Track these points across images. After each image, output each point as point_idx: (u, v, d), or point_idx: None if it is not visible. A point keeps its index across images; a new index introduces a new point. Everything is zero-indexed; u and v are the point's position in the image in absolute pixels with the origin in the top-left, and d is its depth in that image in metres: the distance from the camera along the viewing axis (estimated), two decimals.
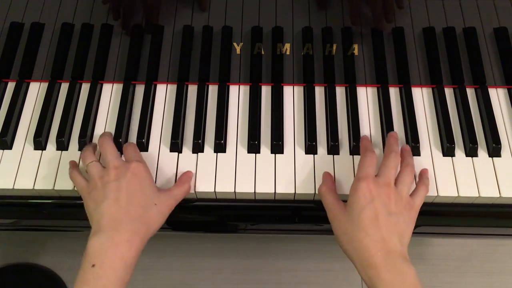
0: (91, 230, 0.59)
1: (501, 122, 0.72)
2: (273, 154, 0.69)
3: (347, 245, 0.60)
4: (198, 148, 0.69)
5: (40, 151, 0.70)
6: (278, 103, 0.73)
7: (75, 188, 0.65)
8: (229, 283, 1.27)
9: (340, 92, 0.75)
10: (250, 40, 0.78)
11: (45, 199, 0.69)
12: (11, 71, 0.77)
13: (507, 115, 0.73)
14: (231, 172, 0.68)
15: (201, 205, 0.70)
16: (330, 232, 0.65)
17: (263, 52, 0.77)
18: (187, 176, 0.67)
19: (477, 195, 0.66)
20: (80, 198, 0.64)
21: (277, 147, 0.69)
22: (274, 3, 0.80)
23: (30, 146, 0.70)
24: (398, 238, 0.58)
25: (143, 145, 0.69)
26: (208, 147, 0.70)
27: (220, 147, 0.69)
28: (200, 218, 0.72)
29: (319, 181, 0.67)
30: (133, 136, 0.70)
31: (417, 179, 0.67)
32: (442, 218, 0.69)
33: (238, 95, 0.74)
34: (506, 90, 0.75)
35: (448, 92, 0.75)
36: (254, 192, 0.67)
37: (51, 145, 0.70)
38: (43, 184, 0.67)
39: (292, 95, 0.74)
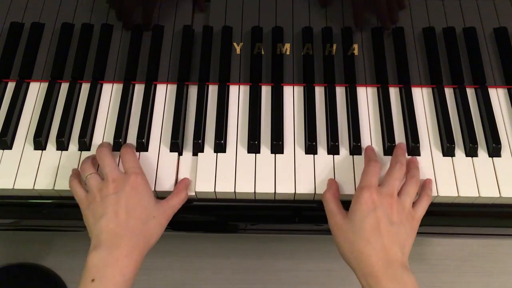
0: (90, 244, 0.59)
1: (501, 122, 0.72)
2: (273, 154, 0.69)
3: (348, 253, 0.60)
4: (198, 148, 0.69)
5: (40, 151, 0.70)
6: (278, 103, 0.73)
7: (75, 199, 0.65)
8: (229, 283, 1.27)
9: (340, 92, 0.75)
10: (250, 40, 0.78)
11: (45, 199, 0.69)
12: (11, 71, 0.77)
13: (507, 115, 0.73)
14: (231, 172, 0.68)
15: (201, 205, 0.70)
16: (330, 232, 0.65)
17: (263, 52, 0.77)
18: (184, 184, 0.66)
19: (477, 195, 0.66)
20: None
21: (277, 147, 0.69)
22: (274, 3, 0.80)
23: (30, 146, 0.70)
24: (399, 247, 0.59)
25: (143, 145, 0.69)
26: (208, 147, 0.70)
27: (220, 147, 0.69)
28: (200, 218, 0.72)
29: (319, 181, 0.67)
30: (133, 136, 0.70)
31: (421, 189, 0.66)
32: (442, 218, 0.69)
33: (238, 95, 0.74)
34: (506, 90, 0.75)
35: (448, 92, 0.75)
36: (254, 192, 0.67)
37: (51, 145, 0.70)
38: (43, 184, 0.67)
39: (292, 95, 0.74)
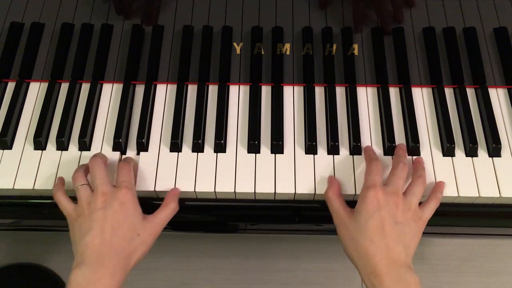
0: (74, 261, 0.58)
1: (501, 122, 0.72)
2: (273, 154, 0.69)
3: (352, 251, 0.60)
4: (198, 148, 0.69)
5: (40, 151, 0.70)
6: (278, 103, 0.73)
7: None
8: (229, 283, 1.27)
9: (340, 92, 0.75)
10: (250, 40, 0.78)
11: (45, 199, 0.69)
12: (11, 71, 0.77)
13: (507, 115, 0.73)
14: (231, 172, 0.68)
15: (201, 205, 0.70)
16: (330, 232, 0.65)
17: (263, 52, 0.77)
18: (173, 195, 0.66)
19: (477, 195, 0.66)
20: None
21: (277, 147, 0.69)
22: (274, 3, 0.80)
23: (30, 146, 0.70)
24: (404, 247, 0.59)
25: (143, 145, 0.69)
26: (208, 147, 0.70)
27: (220, 147, 0.69)
28: (200, 218, 0.72)
29: (319, 181, 0.67)
30: (133, 136, 0.70)
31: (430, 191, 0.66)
32: (442, 218, 0.69)
33: (238, 95, 0.74)
34: (506, 90, 0.75)
35: (448, 92, 0.75)
36: (254, 192, 0.67)
37: (51, 145, 0.70)
38: (43, 184, 0.67)
39: (292, 95, 0.74)
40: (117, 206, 0.60)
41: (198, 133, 0.70)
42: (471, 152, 0.69)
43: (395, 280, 0.56)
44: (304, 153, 0.69)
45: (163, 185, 0.67)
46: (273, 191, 0.66)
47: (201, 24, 0.79)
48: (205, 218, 0.72)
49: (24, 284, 1.25)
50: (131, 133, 0.71)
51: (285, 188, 0.67)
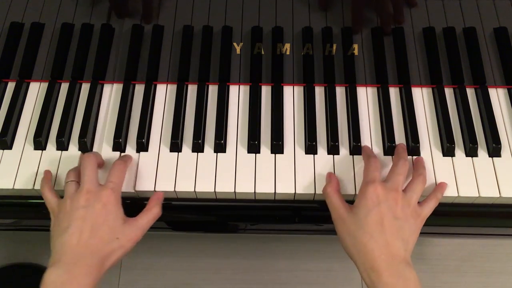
0: (50, 258, 0.58)
1: (501, 122, 0.72)
2: (273, 154, 0.69)
3: (350, 247, 0.60)
4: (198, 148, 0.69)
5: (40, 151, 0.70)
6: (278, 103, 0.73)
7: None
8: (229, 283, 1.27)
9: (340, 92, 0.75)
10: (250, 40, 0.78)
11: None
12: (11, 71, 0.77)
13: (507, 115, 0.73)
14: (231, 172, 0.68)
15: (201, 205, 0.70)
16: (330, 232, 0.65)
17: (263, 52, 0.77)
18: (157, 199, 0.65)
19: (477, 195, 0.66)
20: None
21: (277, 147, 0.69)
22: (274, 3, 0.80)
23: (30, 146, 0.70)
24: (403, 243, 0.59)
25: (143, 145, 0.69)
26: (208, 147, 0.70)
27: (220, 147, 0.69)
28: (200, 218, 0.72)
29: (319, 181, 0.67)
30: (133, 136, 0.70)
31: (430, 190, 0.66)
32: (442, 218, 0.69)
33: (238, 95, 0.74)
34: (506, 90, 0.75)
35: (448, 92, 0.75)
36: (254, 192, 0.67)
37: (51, 145, 0.70)
38: None
39: (292, 95, 0.74)
40: (99, 207, 0.60)
41: (198, 133, 0.70)
42: (471, 152, 0.69)
43: (393, 275, 0.56)
44: (304, 153, 0.69)
45: (163, 185, 0.67)
46: (273, 191, 0.66)
47: (201, 24, 0.79)
48: (205, 218, 0.72)
49: (24, 284, 1.25)
50: (131, 133, 0.71)
51: (285, 188, 0.67)
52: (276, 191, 0.66)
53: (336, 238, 0.64)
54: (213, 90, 0.75)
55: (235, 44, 0.78)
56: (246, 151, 0.69)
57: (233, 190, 0.66)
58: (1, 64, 0.77)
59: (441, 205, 0.67)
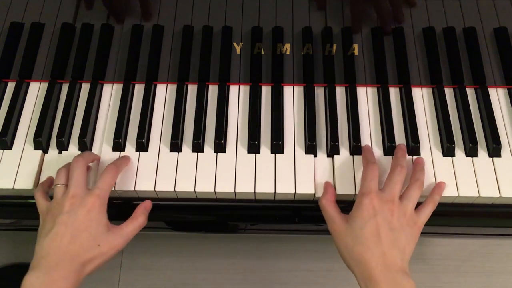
0: (32, 261, 0.58)
1: (501, 122, 0.72)
2: (273, 154, 0.69)
3: (348, 258, 0.60)
4: (198, 148, 0.69)
5: (40, 151, 0.70)
6: (278, 103, 0.73)
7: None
8: (229, 283, 1.27)
9: (340, 92, 0.75)
10: (250, 40, 0.78)
11: None
12: (11, 71, 0.77)
13: (507, 115, 0.73)
14: (231, 172, 0.68)
15: (201, 205, 0.70)
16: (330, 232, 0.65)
17: (263, 52, 0.77)
18: (144, 209, 0.65)
19: (477, 195, 0.66)
20: None
21: (277, 147, 0.69)
22: (274, 3, 0.80)
23: (30, 146, 0.70)
24: (399, 253, 0.59)
25: (143, 145, 0.69)
26: (208, 147, 0.70)
27: (220, 147, 0.69)
28: (200, 218, 0.72)
29: (319, 181, 0.67)
30: (133, 136, 0.70)
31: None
32: (442, 218, 0.69)
33: (238, 95, 0.74)
34: (506, 90, 0.75)
35: (448, 92, 0.75)
36: (254, 192, 0.67)
37: (51, 145, 0.70)
38: None
39: (292, 95, 0.74)
40: (82, 214, 0.59)
41: (198, 133, 0.70)
42: (471, 152, 0.69)
43: (390, 285, 0.57)
44: (304, 153, 0.69)
45: (163, 185, 0.67)
46: (273, 191, 0.66)
47: (201, 24, 0.79)
48: (205, 218, 0.72)
49: None
50: (131, 133, 0.71)
51: (285, 188, 0.67)
52: (276, 191, 0.66)
53: None
54: (213, 90, 0.75)
55: (235, 44, 0.78)
56: (246, 151, 0.69)
57: (233, 190, 0.66)
58: (1, 64, 0.77)
59: (441, 205, 0.67)
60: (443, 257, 1.31)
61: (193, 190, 0.66)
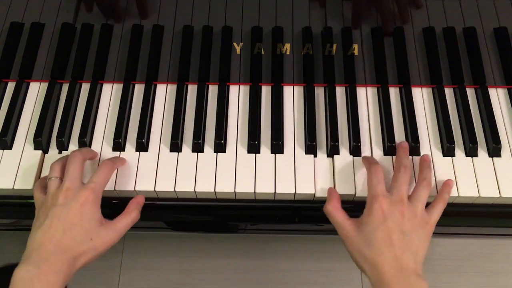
0: (23, 255, 0.58)
1: (501, 122, 0.72)
2: (273, 154, 0.69)
3: (361, 263, 0.60)
4: (198, 148, 0.69)
5: (40, 151, 0.70)
6: (278, 103, 0.73)
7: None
8: (229, 283, 1.27)
9: (340, 92, 0.75)
10: (250, 40, 0.78)
11: None
12: (11, 71, 0.77)
13: (507, 115, 0.73)
14: (231, 172, 0.68)
15: (201, 205, 0.70)
16: (330, 232, 0.65)
17: (263, 52, 0.77)
18: (136, 203, 0.65)
19: (477, 195, 0.66)
20: None
21: (277, 147, 0.69)
22: (274, 3, 0.80)
23: (30, 146, 0.70)
24: (412, 255, 0.59)
25: (143, 145, 0.69)
26: (208, 147, 0.70)
27: (220, 147, 0.69)
28: (200, 218, 0.72)
29: (319, 181, 0.67)
30: (133, 136, 0.70)
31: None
32: (442, 218, 0.69)
33: (238, 95, 0.74)
34: (506, 90, 0.75)
35: (448, 92, 0.75)
36: (254, 192, 0.67)
37: (51, 145, 0.70)
38: None
39: (292, 95, 0.74)
40: (75, 207, 0.59)
41: (198, 133, 0.70)
42: (471, 152, 0.69)
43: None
44: (304, 153, 0.69)
45: (163, 185, 0.67)
46: (273, 191, 0.66)
47: (201, 24, 0.79)
48: (205, 218, 0.72)
49: None
50: (131, 133, 0.71)
51: (285, 188, 0.66)
52: (276, 191, 0.66)
53: (336, 238, 0.64)
54: (213, 90, 0.75)
55: (235, 44, 0.78)
56: (246, 151, 0.69)
57: (233, 190, 0.66)
58: (1, 64, 0.77)
59: None
60: (443, 257, 1.31)
61: (193, 190, 0.66)
